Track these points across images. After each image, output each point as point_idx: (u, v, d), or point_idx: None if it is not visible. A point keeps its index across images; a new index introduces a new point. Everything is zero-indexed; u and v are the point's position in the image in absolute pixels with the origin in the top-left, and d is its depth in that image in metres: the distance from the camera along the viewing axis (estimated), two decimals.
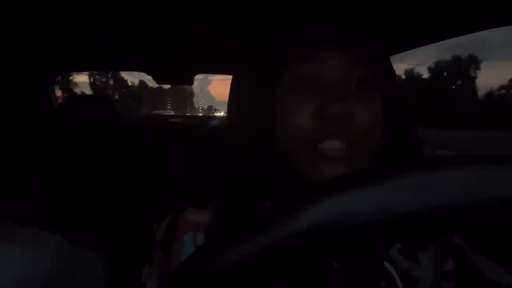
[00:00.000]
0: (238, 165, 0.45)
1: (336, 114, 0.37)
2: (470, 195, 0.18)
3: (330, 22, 0.41)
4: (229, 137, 0.49)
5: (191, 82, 1.77)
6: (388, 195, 0.18)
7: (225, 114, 0.81)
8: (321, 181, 0.21)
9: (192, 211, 0.45)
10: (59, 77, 1.87)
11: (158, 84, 1.81)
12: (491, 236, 0.36)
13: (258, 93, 0.43)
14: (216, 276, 0.20)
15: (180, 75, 1.71)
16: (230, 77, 0.60)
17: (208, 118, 4.48)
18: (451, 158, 0.19)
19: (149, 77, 1.75)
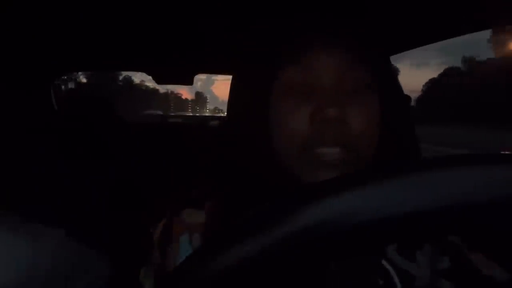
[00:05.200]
0: (235, 166, 0.45)
1: (331, 119, 0.37)
2: (469, 196, 0.18)
3: (325, 25, 0.41)
4: (226, 138, 0.49)
5: (191, 82, 1.78)
6: (387, 195, 0.18)
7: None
8: (319, 181, 0.21)
9: (188, 212, 0.45)
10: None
11: (158, 84, 1.81)
12: (487, 234, 0.36)
13: (254, 95, 0.43)
14: (214, 277, 0.20)
15: (180, 75, 1.72)
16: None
17: (208, 118, 4.47)
18: (448, 158, 0.19)
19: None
